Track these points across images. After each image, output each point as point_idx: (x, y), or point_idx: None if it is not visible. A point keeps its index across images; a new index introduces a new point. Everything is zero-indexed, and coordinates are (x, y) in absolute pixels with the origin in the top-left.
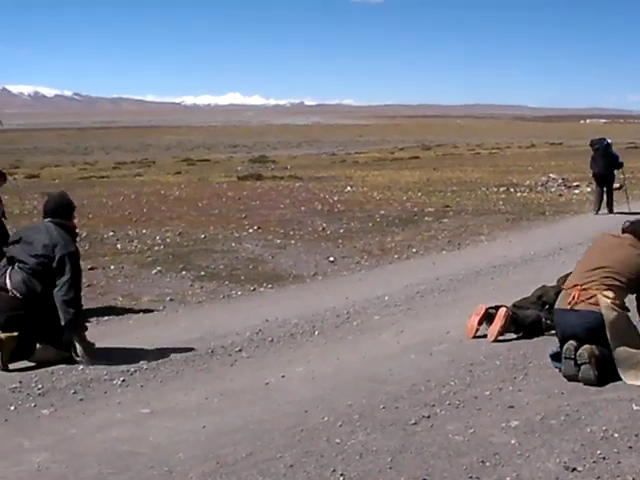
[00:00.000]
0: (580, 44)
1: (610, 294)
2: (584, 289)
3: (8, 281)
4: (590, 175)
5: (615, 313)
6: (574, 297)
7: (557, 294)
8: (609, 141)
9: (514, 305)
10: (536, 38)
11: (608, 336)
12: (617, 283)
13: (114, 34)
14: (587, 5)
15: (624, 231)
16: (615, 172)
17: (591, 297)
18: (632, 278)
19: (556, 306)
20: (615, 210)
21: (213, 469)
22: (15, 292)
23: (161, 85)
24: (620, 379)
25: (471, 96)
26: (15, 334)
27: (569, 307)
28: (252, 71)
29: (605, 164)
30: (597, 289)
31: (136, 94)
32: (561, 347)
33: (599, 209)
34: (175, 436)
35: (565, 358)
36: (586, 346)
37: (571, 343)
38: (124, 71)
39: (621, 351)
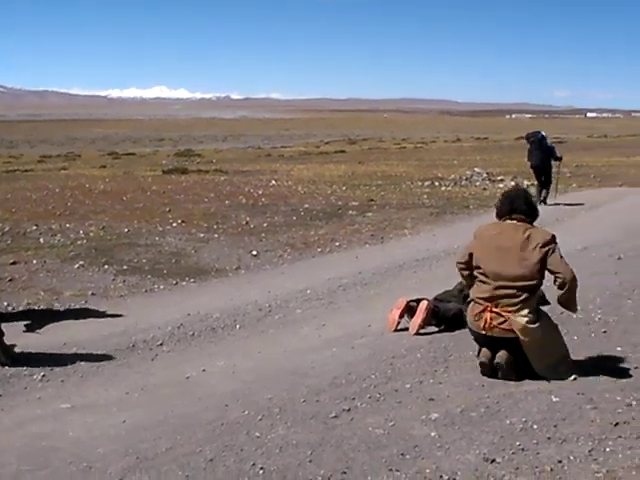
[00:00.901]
0: (507, 40)
1: (524, 312)
2: (495, 312)
3: None
4: (529, 167)
5: (531, 335)
6: (486, 321)
7: None
8: (543, 133)
9: (436, 298)
10: (464, 33)
11: (528, 357)
12: (526, 294)
13: (40, 26)
14: (514, 2)
15: (513, 215)
16: (552, 163)
17: (504, 322)
18: (537, 276)
19: (469, 323)
20: (549, 202)
21: (133, 464)
22: None
23: (87, 78)
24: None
25: (398, 90)
26: None
27: (483, 332)
28: (178, 64)
29: (541, 156)
30: (509, 311)
31: (62, 87)
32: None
33: (541, 200)
34: (95, 431)
35: (481, 363)
36: (501, 353)
37: (485, 357)
38: (50, 63)
39: (542, 369)
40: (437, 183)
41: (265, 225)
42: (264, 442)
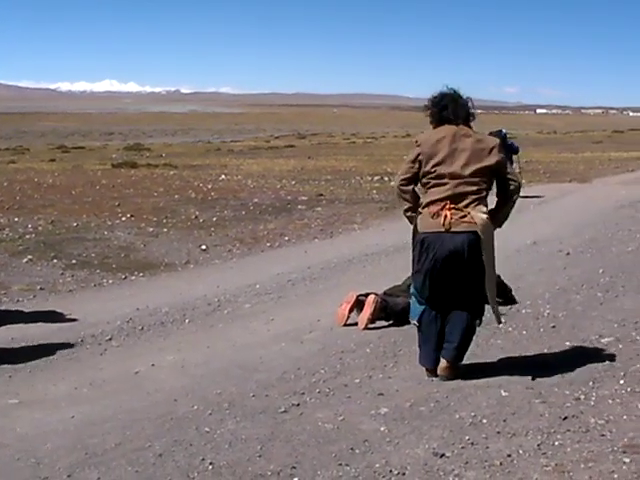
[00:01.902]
0: (458, 36)
1: (482, 209)
2: (454, 208)
3: None
4: None
5: (489, 231)
6: (446, 217)
7: None
8: (506, 131)
9: (385, 293)
10: (414, 28)
11: (483, 256)
12: (484, 192)
13: None
14: None
15: (455, 122)
16: (513, 158)
17: (465, 216)
18: (490, 178)
19: (424, 230)
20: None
21: (82, 459)
22: None
23: (36, 70)
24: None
25: (348, 85)
26: None
27: (444, 229)
28: (128, 58)
29: (503, 153)
30: (469, 206)
31: (10, 79)
32: (427, 275)
33: None
34: (43, 427)
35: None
36: (444, 365)
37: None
38: None
39: (491, 273)
40: (387, 178)
41: (214, 219)
42: (213, 437)
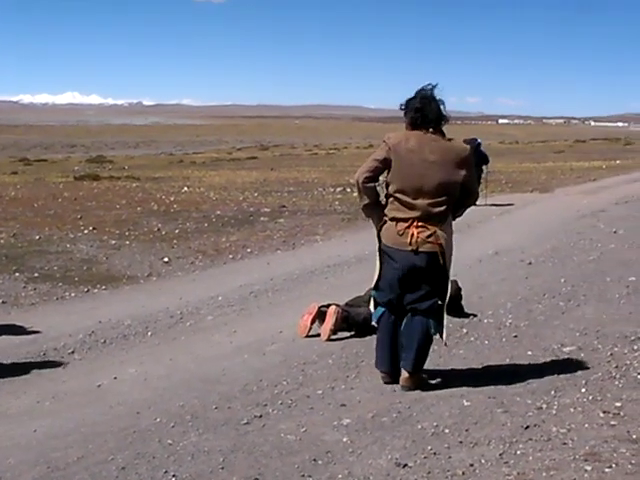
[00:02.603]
0: (417, 46)
1: (448, 228)
2: (421, 226)
3: None
4: None
5: (449, 248)
6: (413, 235)
7: None
8: (479, 141)
9: (347, 304)
10: (375, 38)
11: (443, 270)
12: (448, 207)
13: None
14: (420, 6)
15: (426, 125)
16: (483, 168)
17: (430, 235)
18: (457, 190)
19: (389, 243)
20: (479, 203)
21: (44, 473)
22: None
23: None
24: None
25: (309, 97)
26: None
27: (410, 248)
28: (91, 70)
29: (476, 161)
30: (436, 224)
31: None
32: (387, 283)
33: None
34: (5, 441)
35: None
36: (405, 376)
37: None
38: None
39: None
40: (349, 189)
41: (177, 232)
42: (176, 449)
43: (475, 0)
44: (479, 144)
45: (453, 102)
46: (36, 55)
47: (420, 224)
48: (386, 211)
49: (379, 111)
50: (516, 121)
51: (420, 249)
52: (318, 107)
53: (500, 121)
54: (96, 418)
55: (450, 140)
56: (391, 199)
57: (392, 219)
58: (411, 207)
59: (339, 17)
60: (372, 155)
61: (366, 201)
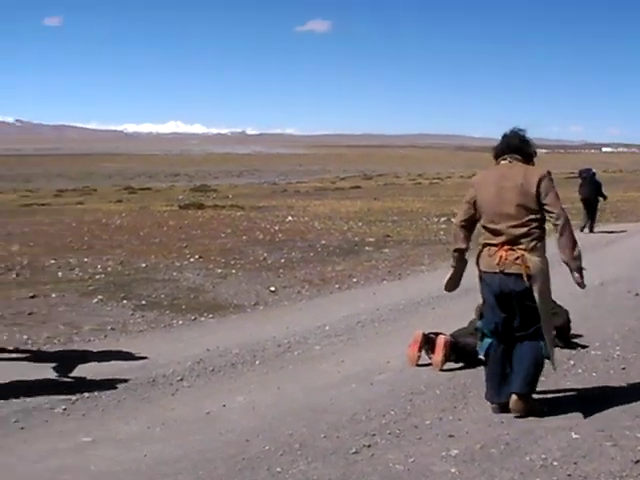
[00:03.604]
0: (522, 76)
1: (537, 253)
2: (510, 249)
3: None
4: (579, 199)
5: (542, 275)
6: (501, 257)
7: None
8: (594, 171)
9: (452, 335)
10: (480, 68)
11: (537, 301)
12: (537, 231)
13: (56, 61)
14: (523, 36)
15: (509, 154)
16: (599, 198)
17: (518, 257)
18: (536, 212)
19: (483, 268)
20: (595, 230)
21: None
22: None
23: (103, 113)
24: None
25: (414, 126)
26: None
27: (498, 270)
28: (194, 100)
29: (591, 190)
30: (523, 247)
31: (79, 121)
32: (490, 309)
33: (584, 227)
34: (116, 465)
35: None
36: (514, 399)
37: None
38: (68, 98)
39: (547, 319)
40: (453, 219)
41: (282, 261)
42: (285, 477)
43: (575, 30)
44: (594, 174)
45: (556, 131)
46: (140, 86)
47: (508, 247)
48: (480, 240)
49: (483, 140)
50: (620, 149)
51: (508, 270)
52: (421, 136)
53: (604, 149)
54: (205, 445)
55: (529, 165)
56: (483, 230)
57: (484, 245)
58: (498, 233)
59: (443, 47)
60: (463, 199)
61: (456, 246)
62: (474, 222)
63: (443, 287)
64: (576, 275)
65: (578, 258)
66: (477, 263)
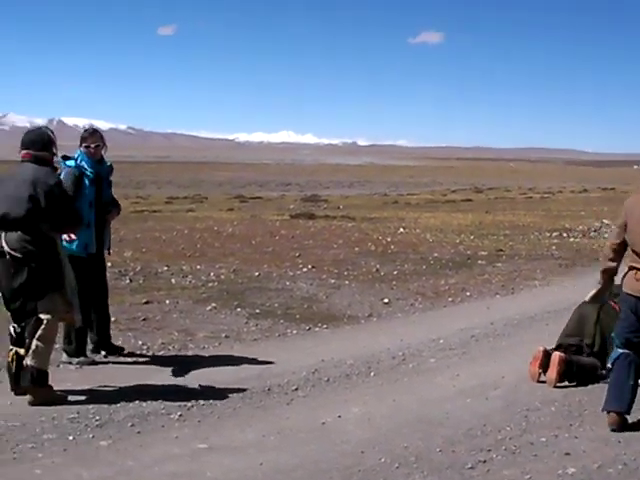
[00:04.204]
0: (632, 88)
1: None
2: None
3: (4, 243)
4: None
5: None
6: None
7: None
8: None
9: (564, 347)
10: (591, 83)
11: None
12: None
13: (168, 70)
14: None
15: None
16: None
17: None
18: None
19: (627, 289)
20: None
21: None
22: (14, 253)
23: (214, 121)
24: None
25: (524, 140)
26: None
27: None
28: (306, 110)
29: None
30: None
31: (189, 129)
32: (626, 325)
33: None
34: (232, 472)
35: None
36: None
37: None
38: (178, 106)
39: None
40: (565, 234)
41: (395, 273)
42: None
43: None
44: None
45: None
46: (253, 95)
47: None
48: (628, 262)
49: (595, 155)
50: None
51: None
52: (532, 150)
53: None
54: (321, 455)
55: None
56: (631, 251)
57: (631, 267)
58: None
59: (553, 62)
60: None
61: (605, 267)
62: (625, 245)
63: (587, 299)
64: None
65: None
66: (622, 283)
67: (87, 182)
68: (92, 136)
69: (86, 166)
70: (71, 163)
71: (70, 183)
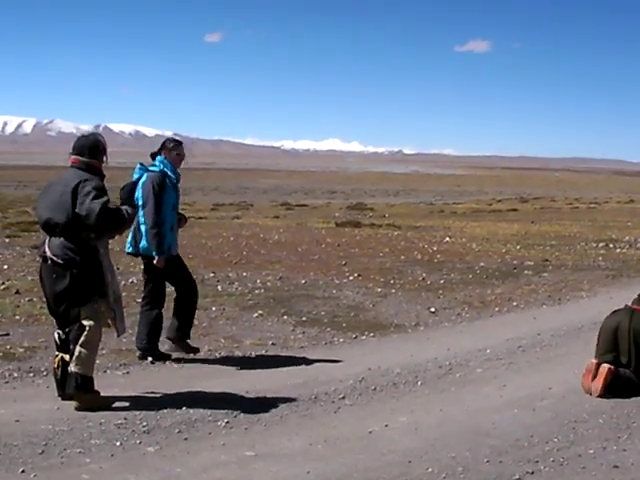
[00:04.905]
0: None
1: None
2: None
3: (47, 249)
4: None
5: None
6: None
7: None
8: None
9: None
10: (634, 91)
11: None
12: None
13: (215, 77)
14: None
15: None
16: None
17: None
18: None
19: None
20: None
21: None
22: (56, 258)
23: (261, 129)
24: None
25: (570, 149)
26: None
27: None
28: (352, 118)
29: None
30: None
31: (236, 137)
32: None
33: None
34: None
35: None
36: None
37: None
38: (224, 113)
39: None
40: (612, 245)
41: (442, 282)
42: None
43: None
44: None
45: None
46: (300, 102)
47: None
48: None
49: None
50: None
51: None
52: (578, 160)
53: None
54: (368, 464)
55: None
56: None
57: None
58: None
59: (599, 71)
60: None
61: None
62: None
63: None
64: None
65: None
66: None
67: (170, 187)
68: (181, 145)
69: (169, 172)
70: (154, 168)
71: (155, 186)
